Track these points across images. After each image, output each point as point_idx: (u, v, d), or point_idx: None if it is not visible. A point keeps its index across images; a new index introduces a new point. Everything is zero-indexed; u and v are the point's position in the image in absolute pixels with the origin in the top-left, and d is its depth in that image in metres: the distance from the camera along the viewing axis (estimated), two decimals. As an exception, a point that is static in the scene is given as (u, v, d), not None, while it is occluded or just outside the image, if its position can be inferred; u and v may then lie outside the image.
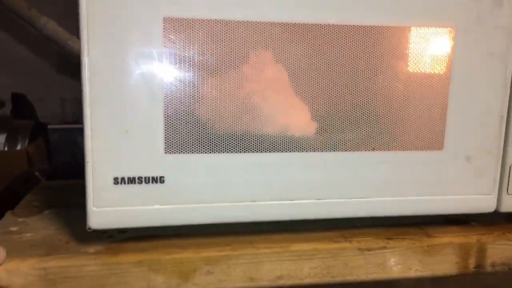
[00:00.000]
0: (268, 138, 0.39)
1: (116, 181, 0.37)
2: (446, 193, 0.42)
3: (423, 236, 0.43)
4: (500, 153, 0.43)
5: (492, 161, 0.43)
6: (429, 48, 0.41)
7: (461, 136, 0.42)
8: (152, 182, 0.38)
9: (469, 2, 0.40)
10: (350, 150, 0.41)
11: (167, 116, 0.37)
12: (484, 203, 0.43)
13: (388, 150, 0.41)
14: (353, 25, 0.39)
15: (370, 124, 0.41)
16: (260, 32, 0.38)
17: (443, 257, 0.42)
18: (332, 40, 0.39)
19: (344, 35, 0.39)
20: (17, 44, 1.24)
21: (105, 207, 0.37)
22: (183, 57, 0.37)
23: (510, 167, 0.43)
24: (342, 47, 0.39)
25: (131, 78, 0.36)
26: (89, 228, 0.37)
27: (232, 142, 0.39)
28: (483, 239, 0.43)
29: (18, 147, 0.97)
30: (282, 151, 0.40)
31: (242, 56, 0.38)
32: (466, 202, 0.43)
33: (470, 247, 0.43)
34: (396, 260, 0.42)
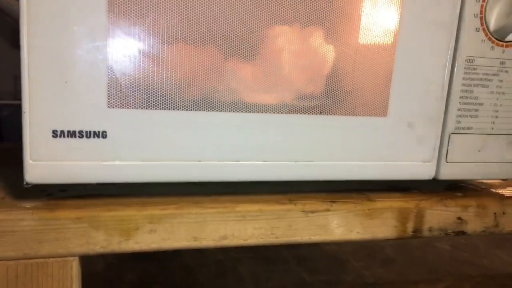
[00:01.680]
0: (215, 97, 0.39)
1: (55, 134, 0.36)
2: (389, 159, 0.44)
3: (365, 200, 0.44)
4: (441, 121, 0.44)
5: (433, 128, 0.44)
6: (378, 16, 0.42)
7: (404, 103, 0.43)
8: (94, 137, 0.37)
9: (417, -29, 0.41)
10: (297, 113, 0.41)
11: (111, 68, 0.36)
12: (424, 170, 0.45)
13: (335, 114, 0.42)
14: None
15: (319, 89, 0.42)
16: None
17: (383, 220, 0.44)
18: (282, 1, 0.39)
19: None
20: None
21: (43, 161, 0.36)
22: (130, 9, 0.36)
23: (449, 135, 0.45)
24: (295, 9, 0.39)
25: (73, 24, 0.34)
26: (26, 183, 0.36)
27: (178, 99, 0.38)
28: (421, 205, 0.45)
29: (-35, 121, 0.92)
30: (229, 111, 0.39)
31: (190, 16, 0.37)
32: (406, 168, 0.44)
33: (408, 212, 0.44)
34: (339, 223, 0.43)
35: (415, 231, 0.45)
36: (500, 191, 0.51)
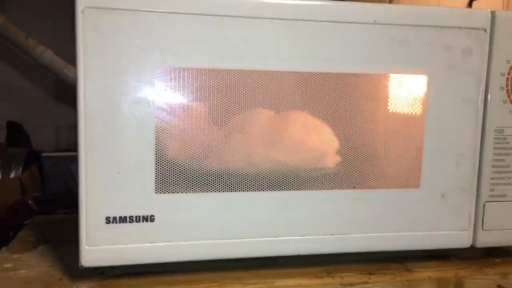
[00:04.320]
0: (253, 177, 0.41)
1: (108, 220, 0.39)
2: (424, 229, 0.45)
3: (403, 271, 0.45)
4: (474, 190, 0.45)
5: (466, 198, 0.45)
6: (406, 93, 0.44)
7: (436, 175, 0.44)
8: (143, 221, 0.39)
9: (441, 51, 0.43)
10: (332, 188, 0.43)
11: (158, 158, 0.39)
12: (460, 238, 0.45)
13: (368, 188, 0.44)
14: (339, 73, 0.42)
15: (352, 164, 0.43)
16: (252, 81, 0.41)
17: (422, 291, 0.44)
18: (320, 85, 0.42)
19: (331, 82, 0.42)
20: (13, 72, 1.27)
21: (97, 246, 0.39)
22: (176, 103, 0.40)
23: (484, 204, 0.45)
24: (328, 92, 0.42)
25: (125, 123, 0.38)
26: (81, 266, 0.39)
27: (219, 182, 0.41)
28: (460, 274, 0.45)
29: (12, 175, 0.98)
30: (267, 190, 0.42)
31: (234, 102, 0.41)
32: (442, 237, 0.45)
33: (448, 282, 0.45)
34: (378, 295, 0.43)
35: (456, 300, 0.45)
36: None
